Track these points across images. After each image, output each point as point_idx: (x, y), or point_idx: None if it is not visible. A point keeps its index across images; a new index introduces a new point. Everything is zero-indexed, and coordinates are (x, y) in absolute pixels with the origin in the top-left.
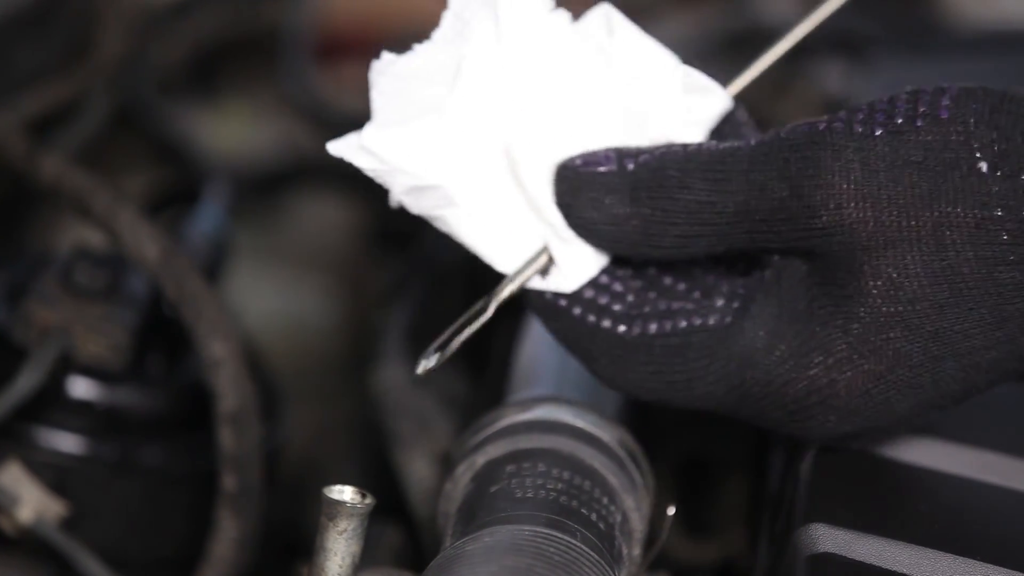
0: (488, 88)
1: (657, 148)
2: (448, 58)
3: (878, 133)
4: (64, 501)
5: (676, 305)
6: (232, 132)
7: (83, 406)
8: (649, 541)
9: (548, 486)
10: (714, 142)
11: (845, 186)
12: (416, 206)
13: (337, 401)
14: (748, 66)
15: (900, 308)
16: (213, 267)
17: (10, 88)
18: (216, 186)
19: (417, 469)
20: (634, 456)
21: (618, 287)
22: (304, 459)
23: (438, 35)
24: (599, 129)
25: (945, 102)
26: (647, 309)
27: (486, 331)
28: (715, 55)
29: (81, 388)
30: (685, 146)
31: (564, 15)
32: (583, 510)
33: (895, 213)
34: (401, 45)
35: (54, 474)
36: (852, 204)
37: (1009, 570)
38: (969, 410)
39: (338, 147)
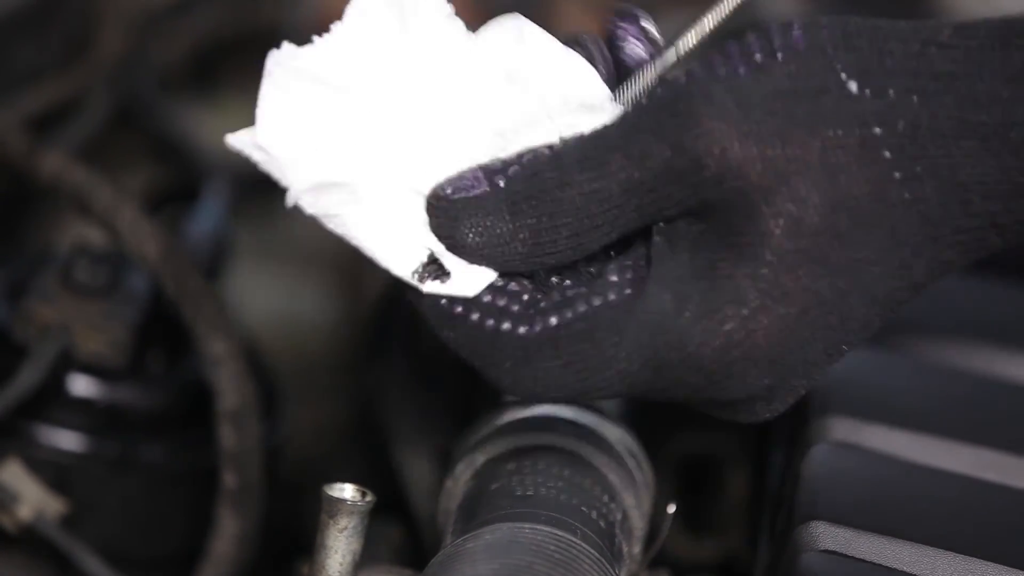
0: (384, 91)
1: (522, 155)
2: (348, 56)
3: (741, 71)
4: (64, 499)
5: (571, 292)
6: (231, 130)
7: (83, 403)
8: (649, 539)
9: (548, 484)
10: (577, 133)
11: (725, 127)
12: (314, 205)
13: (337, 399)
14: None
15: (804, 243)
16: (213, 265)
17: (11, 86)
18: (216, 184)
19: (418, 467)
20: (634, 454)
21: (513, 286)
22: (304, 457)
23: (339, 30)
24: (466, 146)
25: (796, 33)
26: (544, 304)
27: None
28: None
29: (81, 386)
30: (550, 146)
31: (459, 23)
32: (583, 508)
33: (780, 145)
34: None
35: (54, 471)
36: (736, 144)
37: (1009, 568)
38: (971, 408)
39: (236, 140)
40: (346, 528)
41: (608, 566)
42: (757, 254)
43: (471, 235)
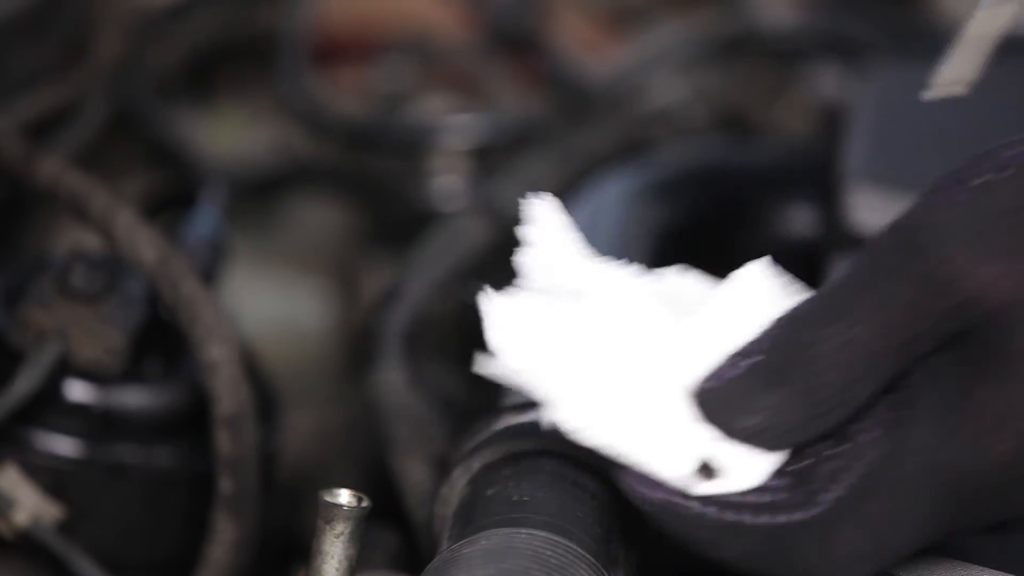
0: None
1: (769, 326)
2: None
3: (971, 193)
4: (61, 504)
5: (835, 462)
6: (228, 135)
7: (80, 409)
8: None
9: (544, 489)
10: (807, 293)
11: (967, 251)
12: (572, 420)
13: (334, 404)
14: None
15: None
16: (210, 270)
17: (7, 91)
18: (213, 189)
19: (414, 472)
20: None
21: (768, 481)
22: (301, 462)
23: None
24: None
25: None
26: (812, 485)
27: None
28: (709, 60)
29: (78, 391)
30: (792, 309)
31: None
32: (579, 513)
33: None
34: (395, 51)
35: (51, 477)
36: (981, 266)
37: (1004, 573)
38: None
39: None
40: (342, 533)
41: (604, 572)
42: (1010, 371)
43: (747, 417)
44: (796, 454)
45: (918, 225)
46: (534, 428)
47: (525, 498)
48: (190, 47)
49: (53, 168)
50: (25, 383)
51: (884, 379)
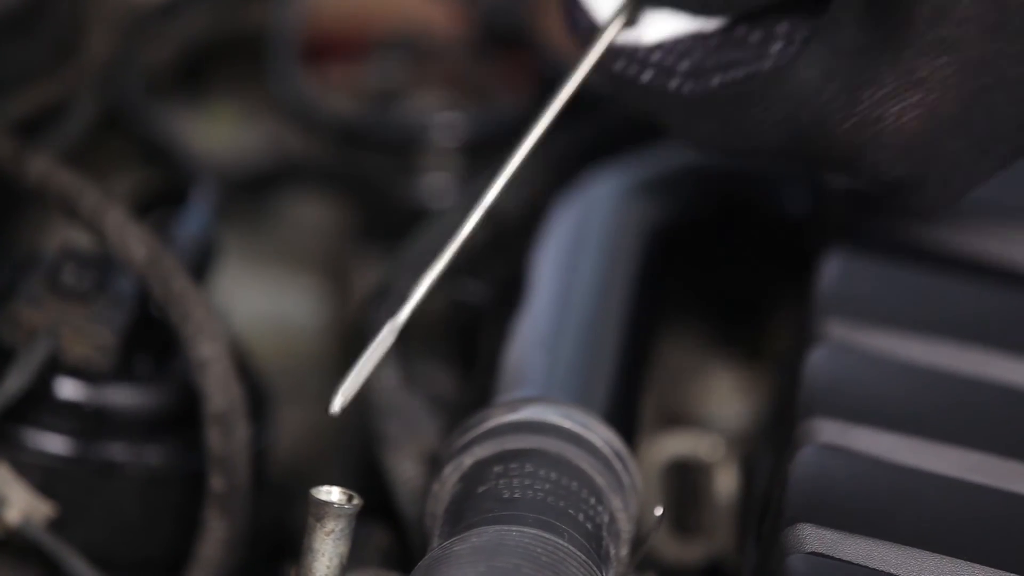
0: None
1: None
2: None
3: None
4: (51, 502)
5: (737, 55)
6: (219, 133)
7: (70, 407)
8: (636, 541)
9: (535, 487)
10: None
11: None
12: None
13: (325, 402)
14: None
15: (947, 32)
16: (200, 268)
17: None
18: (203, 187)
19: (404, 470)
20: (621, 456)
21: (683, 45)
22: (291, 460)
23: None
24: None
25: None
26: (710, 63)
27: (473, 331)
28: None
29: (68, 389)
30: None
31: None
32: (570, 511)
33: None
34: (387, 49)
35: (41, 475)
36: None
37: (996, 570)
38: (959, 410)
39: None
40: (333, 531)
41: (595, 569)
42: (900, 38)
43: None
44: (721, 30)
45: None
46: (525, 426)
47: (516, 495)
48: (181, 45)
49: (43, 166)
50: (15, 381)
51: None
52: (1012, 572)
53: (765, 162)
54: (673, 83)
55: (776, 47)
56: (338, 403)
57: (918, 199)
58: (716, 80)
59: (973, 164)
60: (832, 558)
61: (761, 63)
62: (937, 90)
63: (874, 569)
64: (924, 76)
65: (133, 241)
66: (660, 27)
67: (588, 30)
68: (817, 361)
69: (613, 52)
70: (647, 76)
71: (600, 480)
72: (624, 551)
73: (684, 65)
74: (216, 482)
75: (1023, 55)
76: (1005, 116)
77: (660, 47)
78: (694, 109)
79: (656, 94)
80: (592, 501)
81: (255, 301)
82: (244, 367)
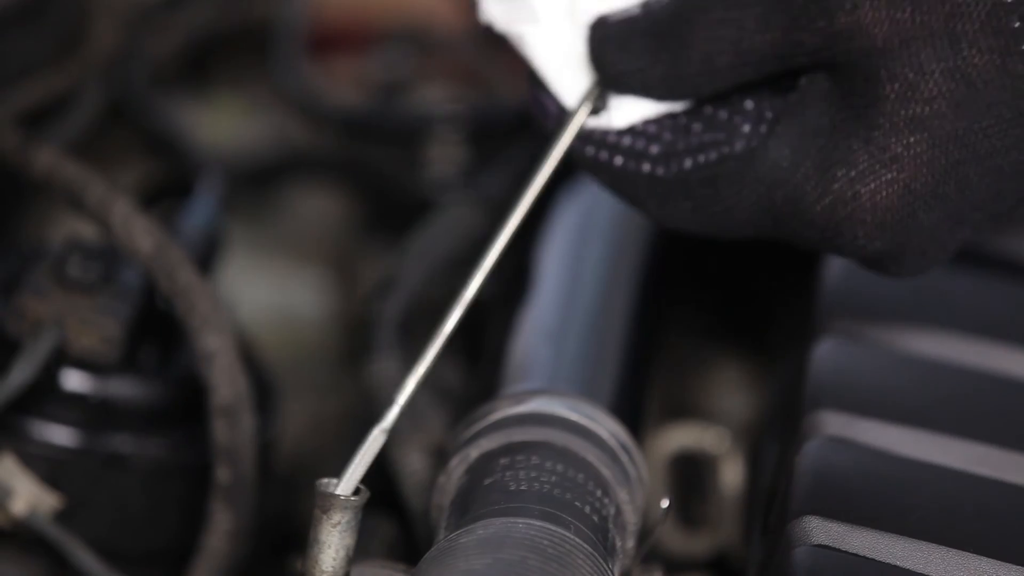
0: None
1: None
2: None
3: None
4: (57, 494)
5: (708, 137)
6: (224, 125)
7: (76, 399)
8: (643, 533)
9: (542, 479)
10: None
11: None
12: (503, 18)
13: (331, 393)
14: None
15: (917, 110)
16: (206, 260)
17: (2, 81)
18: (209, 179)
19: (411, 462)
20: (627, 449)
21: (653, 128)
22: (297, 452)
23: None
24: None
25: None
26: (681, 146)
27: (479, 323)
28: None
29: (74, 381)
30: None
31: None
32: (577, 503)
33: (908, 10)
34: (392, 40)
35: (47, 467)
36: (867, 3)
37: (1002, 562)
38: (965, 402)
39: None
40: (339, 523)
41: (601, 561)
42: (871, 117)
43: (620, 57)
44: (687, 111)
45: None
46: (531, 418)
47: (522, 488)
48: (186, 36)
49: (49, 158)
50: (21, 373)
51: (754, 72)
52: (1017, 564)
53: (742, 241)
54: (645, 167)
55: (746, 127)
56: (340, 490)
57: (897, 269)
58: (688, 162)
59: (949, 234)
60: (838, 550)
61: (732, 144)
62: (910, 167)
63: (880, 561)
64: (897, 154)
65: (139, 233)
66: (629, 111)
67: (557, 116)
68: (823, 354)
69: (584, 137)
70: (619, 161)
71: (606, 472)
72: (630, 543)
73: (655, 149)
74: (222, 474)
75: (992, 129)
76: (978, 188)
77: (630, 131)
78: (667, 192)
79: (629, 178)
80: (598, 493)
81: (260, 293)
82: (250, 359)
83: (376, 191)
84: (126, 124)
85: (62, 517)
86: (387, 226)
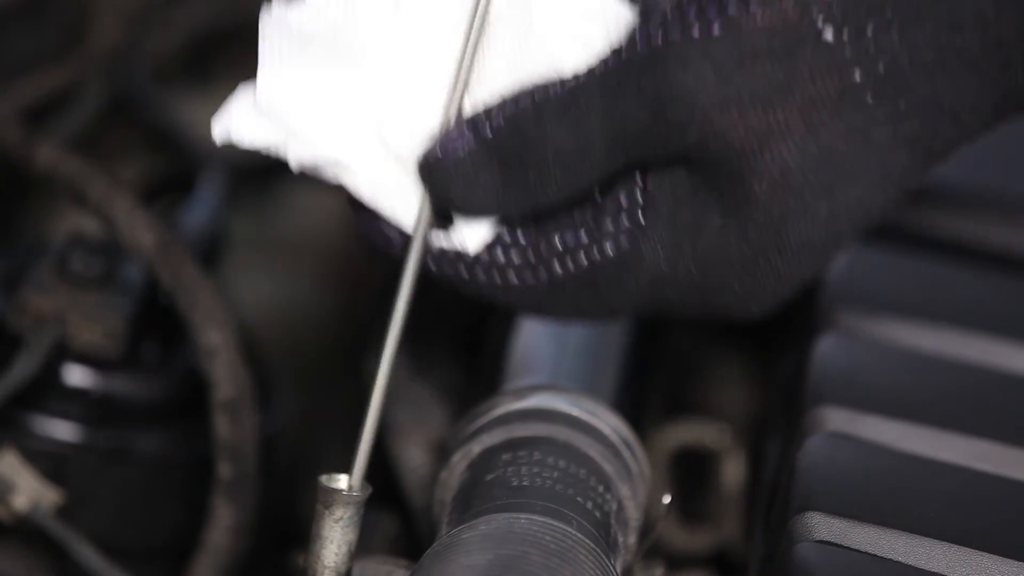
0: (375, 46)
1: (505, 104)
2: (338, 10)
3: (716, 32)
4: (59, 489)
5: (572, 238)
6: None
7: (78, 394)
8: (644, 529)
9: (544, 474)
10: (558, 79)
11: (704, 95)
12: (317, 174)
13: (332, 389)
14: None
15: (791, 202)
16: (208, 255)
17: (5, 76)
18: (211, 175)
19: (413, 457)
20: (629, 444)
21: (512, 238)
22: (299, 447)
23: None
24: (464, 85)
25: None
26: (545, 251)
27: (481, 319)
28: None
29: (76, 376)
30: (532, 93)
31: None
32: (579, 498)
33: (760, 109)
34: None
35: (50, 462)
36: (716, 112)
37: (1004, 559)
38: (967, 399)
39: (221, 128)
40: (342, 518)
41: (604, 556)
42: (745, 215)
43: (463, 194)
44: (543, 214)
45: (661, 55)
46: (533, 413)
47: (525, 483)
48: (188, 32)
49: (52, 153)
50: (24, 368)
51: (611, 172)
52: (1020, 560)
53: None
54: (511, 278)
55: (609, 226)
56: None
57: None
58: (556, 267)
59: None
60: (840, 546)
61: (601, 245)
62: (793, 250)
63: (882, 557)
64: (779, 242)
65: (141, 228)
66: (479, 229)
67: (401, 242)
68: (825, 349)
69: (437, 258)
70: (482, 277)
71: (608, 468)
72: (632, 539)
73: (516, 258)
74: (224, 469)
75: (862, 198)
76: (847, 241)
77: (487, 246)
78: (541, 296)
79: (499, 290)
80: (600, 489)
81: (263, 288)
82: (252, 354)
83: None
84: (128, 120)
85: (64, 512)
86: None
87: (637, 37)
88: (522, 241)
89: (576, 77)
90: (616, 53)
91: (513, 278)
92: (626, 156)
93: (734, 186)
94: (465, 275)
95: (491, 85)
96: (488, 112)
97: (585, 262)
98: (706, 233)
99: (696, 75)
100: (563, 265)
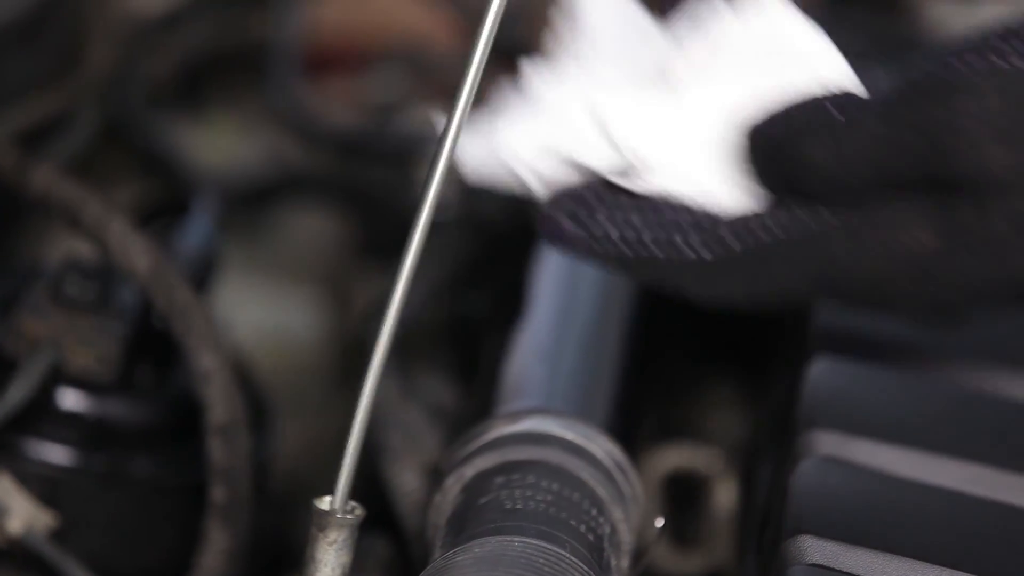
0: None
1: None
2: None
3: (1015, 63)
4: (53, 512)
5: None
6: (220, 145)
7: (73, 418)
8: (637, 552)
9: (538, 498)
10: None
11: (984, 130)
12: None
13: (326, 413)
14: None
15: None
16: (202, 279)
17: (0, 101)
18: (205, 199)
19: (406, 481)
20: (622, 468)
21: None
22: (293, 471)
23: None
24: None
25: None
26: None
27: (474, 342)
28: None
29: (71, 400)
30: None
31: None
32: (572, 521)
33: None
34: (387, 61)
35: (44, 485)
36: (992, 145)
37: None
38: (960, 423)
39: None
40: (335, 542)
41: None
42: (968, 242)
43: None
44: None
45: (953, 81)
46: (527, 437)
47: (518, 506)
48: (182, 57)
49: (46, 177)
50: (18, 391)
51: (859, 191)
52: None
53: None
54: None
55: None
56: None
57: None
58: (737, 246)
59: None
60: (833, 570)
61: (789, 229)
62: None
63: None
64: (979, 281)
65: (136, 252)
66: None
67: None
68: (817, 373)
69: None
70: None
71: (601, 491)
72: (625, 562)
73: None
74: (218, 493)
75: None
76: None
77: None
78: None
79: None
80: (594, 512)
81: (256, 313)
82: (246, 378)
83: (371, 212)
84: (122, 144)
85: (58, 536)
86: (382, 247)
87: (928, 60)
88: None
89: (852, 94)
90: (901, 76)
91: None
92: (881, 180)
93: (971, 216)
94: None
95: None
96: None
97: (767, 239)
98: (913, 247)
99: (982, 105)
100: (743, 243)
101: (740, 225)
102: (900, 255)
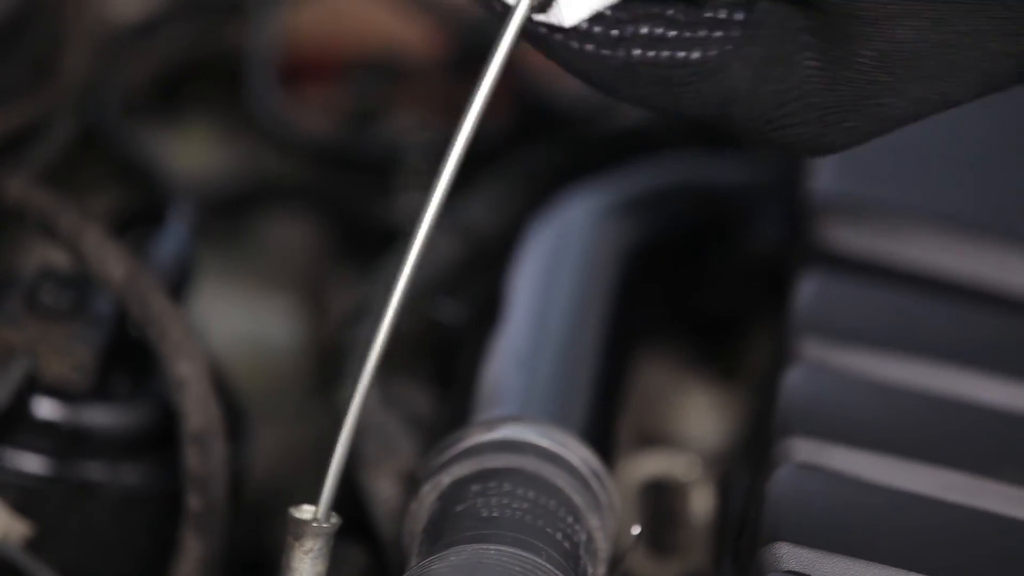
0: None
1: None
2: None
3: None
4: (28, 522)
5: (663, 33)
6: (196, 153)
7: (48, 426)
8: (614, 560)
9: (514, 505)
10: None
11: None
12: None
13: (302, 421)
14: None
15: (889, 77)
16: (178, 287)
17: None
18: (180, 207)
19: (382, 489)
20: (599, 475)
21: (608, 12)
22: (269, 479)
23: None
24: None
25: None
26: (631, 33)
27: (450, 350)
28: None
29: (46, 408)
30: None
31: None
32: (548, 529)
33: None
34: (364, 69)
35: (18, 495)
36: None
37: None
38: (935, 429)
39: None
40: (311, 550)
41: None
42: (840, 73)
43: None
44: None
45: None
46: (503, 445)
47: (494, 514)
48: (159, 64)
49: (21, 186)
50: None
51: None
52: None
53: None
54: (589, 46)
55: (704, 33)
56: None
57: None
58: (637, 52)
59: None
60: None
61: (689, 50)
62: (873, 117)
63: None
64: (864, 108)
65: (111, 261)
66: (579, 6)
67: (502, 14)
68: (793, 380)
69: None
70: (559, 36)
71: (578, 499)
72: (601, 570)
73: (598, 28)
74: (193, 501)
75: (955, 92)
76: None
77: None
78: (615, 75)
79: (576, 54)
80: (570, 520)
81: (232, 320)
82: (222, 386)
83: (348, 219)
84: (98, 152)
85: (33, 545)
86: (359, 254)
87: None
88: (616, 17)
89: None
90: None
91: (590, 46)
92: None
93: (843, 44)
94: (542, 33)
95: None
96: None
97: (665, 55)
98: (797, 71)
99: None
100: (643, 53)
101: (636, 29)
102: (792, 82)
